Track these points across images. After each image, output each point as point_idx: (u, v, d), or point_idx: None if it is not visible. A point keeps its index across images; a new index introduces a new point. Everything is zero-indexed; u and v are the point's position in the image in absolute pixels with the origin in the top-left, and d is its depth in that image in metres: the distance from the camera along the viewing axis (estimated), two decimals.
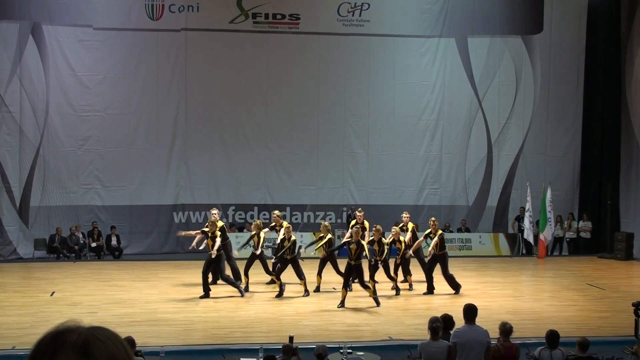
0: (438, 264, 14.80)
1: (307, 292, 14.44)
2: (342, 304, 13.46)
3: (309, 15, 20.82)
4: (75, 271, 17.24)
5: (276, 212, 15.75)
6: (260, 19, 20.60)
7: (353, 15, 20.98)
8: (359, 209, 15.99)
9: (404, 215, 15.83)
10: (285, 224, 14.99)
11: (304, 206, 20.99)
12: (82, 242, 19.36)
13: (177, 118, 20.40)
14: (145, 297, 14.17)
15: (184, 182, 20.51)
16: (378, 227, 14.19)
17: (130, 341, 7.10)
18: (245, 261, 15.07)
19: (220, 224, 14.63)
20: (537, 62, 21.61)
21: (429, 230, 14.98)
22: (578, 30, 21.68)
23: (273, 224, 15.55)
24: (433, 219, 15.25)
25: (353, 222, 15.33)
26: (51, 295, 14.35)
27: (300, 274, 14.41)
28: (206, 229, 14.38)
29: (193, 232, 15.28)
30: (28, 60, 19.33)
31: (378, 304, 13.56)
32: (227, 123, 20.60)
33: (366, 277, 13.76)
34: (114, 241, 19.71)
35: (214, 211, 15.25)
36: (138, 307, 13.38)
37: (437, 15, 21.24)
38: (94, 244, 19.43)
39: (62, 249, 19.13)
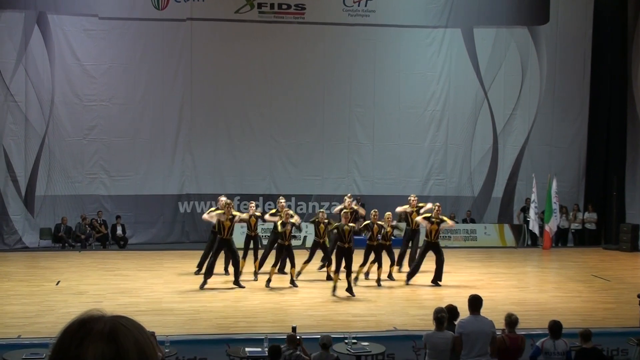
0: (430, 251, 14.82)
1: (268, 281, 14.23)
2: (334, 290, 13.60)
3: (314, 5, 20.75)
4: (81, 260, 17.29)
5: (282, 200, 15.46)
6: (265, 9, 20.53)
7: (359, 6, 20.91)
8: (349, 194, 16.72)
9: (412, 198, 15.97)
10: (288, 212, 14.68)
11: (309, 196, 20.98)
12: (88, 231, 19.40)
13: (182, 108, 20.38)
14: (150, 287, 14.21)
15: (189, 172, 20.51)
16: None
17: (152, 334, 7.13)
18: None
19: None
20: (544, 53, 21.51)
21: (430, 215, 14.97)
22: (584, 21, 21.57)
23: (276, 210, 15.11)
24: (438, 204, 15.32)
25: (341, 206, 15.73)
26: (57, 284, 14.40)
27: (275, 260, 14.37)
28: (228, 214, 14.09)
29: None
30: (33, 49, 19.31)
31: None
32: (232, 113, 20.58)
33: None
34: (119, 231, 19.74)
35: (223, 198, 15.01)
36: (143, 296, 13.42)
37: (443, 6, 21.15)
38: (97, 235, 19.45)
39: (67, 238, 19.18)
